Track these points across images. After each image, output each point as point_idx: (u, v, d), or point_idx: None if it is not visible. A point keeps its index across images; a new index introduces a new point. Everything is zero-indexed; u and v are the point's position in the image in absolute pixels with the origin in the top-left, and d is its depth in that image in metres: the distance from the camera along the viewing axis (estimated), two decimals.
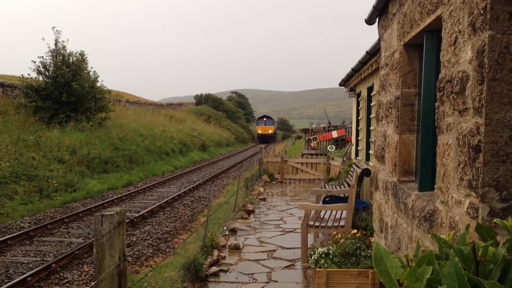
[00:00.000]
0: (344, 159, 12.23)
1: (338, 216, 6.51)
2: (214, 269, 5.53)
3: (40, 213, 10.87)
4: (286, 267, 5.78)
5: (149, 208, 11.29)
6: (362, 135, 9.20)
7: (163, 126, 28.54)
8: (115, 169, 17.12)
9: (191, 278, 5.14)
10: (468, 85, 2.16)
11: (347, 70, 9.94)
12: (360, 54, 7.81)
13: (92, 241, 7.82)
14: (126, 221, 5.14)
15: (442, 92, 2.56)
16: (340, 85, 11.69)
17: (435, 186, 2.75)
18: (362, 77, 8.73)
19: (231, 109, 58.93)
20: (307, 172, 15.52)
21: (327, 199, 7.59)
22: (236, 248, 6.60)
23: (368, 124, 8.37)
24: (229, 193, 13.10)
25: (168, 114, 36.15)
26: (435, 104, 2.71)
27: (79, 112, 19.41)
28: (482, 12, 2.01)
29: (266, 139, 53.16)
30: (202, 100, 57.48)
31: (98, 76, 20.72)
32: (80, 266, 7.26)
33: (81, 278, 6.73)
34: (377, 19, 4.77)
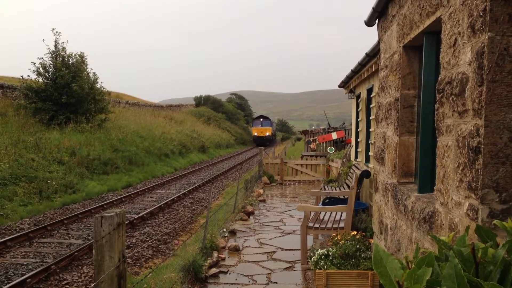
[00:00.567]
0: (344, 160, 12.23)
1: (337, 217, 6.51)
2: (213, 270, 5.53)
3: (39, 214, 10.86)
4: (285, 268, 5.78)
5: (149, 210, 11.28)
6: (362, 137, 9.20)
7: (163, 128, 28.53)
8: (114, 170, 17.10)
9: (191, 280, 5.13)
10: (467, 87, 2.16)
11: (346, 71, 9.95)
12: (359, 56, 7.83)
13: (92, 243, 7.83)
14: (126, 222, 5.12)
15: (441, 94, 2.57)
16: (339, 86, 11.69)
17: (434, 187, 2.75)
18: (362, 78, 8.73)
19: (231, 110, 58.69)
20: (306, 173, 15.50)
21: (327, 200, 7.58)
22: (235, 250, 6.59)
23: (368, 125, 8.37)
24: (229, 194, 13.10)
25: (167, 116, 36.14)
26: (435, 105, 2.71)
27: (78, 113, 19.40)
28: (481, 14, 2.01)
29: (262, 142, 47.62)
30: (202, 101, 57.40)
31: (98, 77, 20.78)
32: (80, 267, 7.25)
33: (80, 280, 6.72)
34: (376, 21, 4.78)
